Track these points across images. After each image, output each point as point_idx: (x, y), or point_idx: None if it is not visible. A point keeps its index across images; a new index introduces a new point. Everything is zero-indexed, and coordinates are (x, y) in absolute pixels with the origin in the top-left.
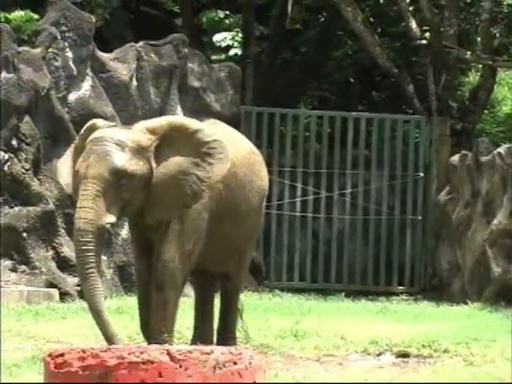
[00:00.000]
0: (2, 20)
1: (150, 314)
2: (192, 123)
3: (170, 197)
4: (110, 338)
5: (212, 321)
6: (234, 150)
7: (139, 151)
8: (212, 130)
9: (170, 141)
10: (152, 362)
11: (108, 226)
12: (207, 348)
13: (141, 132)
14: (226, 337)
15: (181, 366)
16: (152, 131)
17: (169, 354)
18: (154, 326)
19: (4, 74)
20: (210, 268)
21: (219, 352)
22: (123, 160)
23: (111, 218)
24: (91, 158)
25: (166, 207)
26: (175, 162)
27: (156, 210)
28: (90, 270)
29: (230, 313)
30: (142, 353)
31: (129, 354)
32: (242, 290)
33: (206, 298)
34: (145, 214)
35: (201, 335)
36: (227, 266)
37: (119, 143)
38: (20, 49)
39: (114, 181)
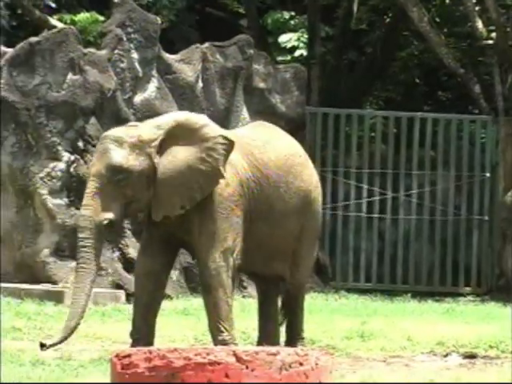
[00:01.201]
0: (68, 22)
1: (146, 318)
2: (198, 119)
3: (176, 192)
4: (68, 328)
5: (276, 322)
6: (269, 151)
7: (139, 147)
8: (216, 127)
9: (176, 136)
10: (218, 363)
11: (106, 222)
12: (273, 349)
13: (146, 128)
14: (292, 337)
15: (247, 367)
16: (158, 126)
17: (235, 355)
18: (212, 329)
19: (70, 76)
20: (254, 269)
21: (285, 353)
22: (119, 156)
23: (109, 215)
24: (94, 157)
25: (172, 203)
26: (181, 158)
27: (162, 206)
28: (82, 266)
29: (293, 314)
30: (208, 354)
31: (195, 355)
32: (304, 291)
33: (267, 299)
34: (152, 211)
35: (265, 336)
36: (274, 268)
37: (117, 139)
38: (86, 50)
39: (112, 177)
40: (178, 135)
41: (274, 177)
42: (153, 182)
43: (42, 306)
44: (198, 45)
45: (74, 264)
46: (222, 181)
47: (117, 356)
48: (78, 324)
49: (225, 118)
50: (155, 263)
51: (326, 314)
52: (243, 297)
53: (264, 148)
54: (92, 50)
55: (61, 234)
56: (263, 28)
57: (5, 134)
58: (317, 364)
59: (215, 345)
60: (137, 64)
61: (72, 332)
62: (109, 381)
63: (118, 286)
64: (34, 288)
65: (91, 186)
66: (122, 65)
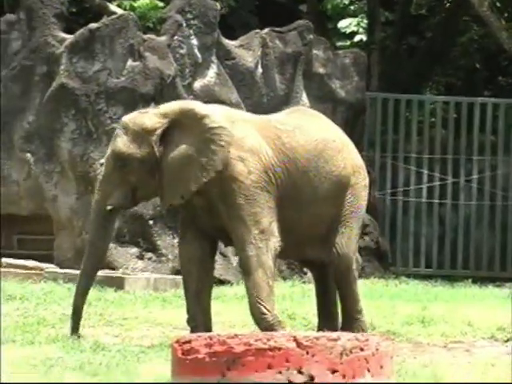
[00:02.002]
0: (128, 8)
1: (200, 304)
2: (201, 108)
3: (176, 181)
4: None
5: (334, 307)
6: (299, 135)
7: (141, 134)
8: (221, 115)
9: (180, 125)
10: (279, 349)
11: (109, 207)
12: (334, 334)
13: (152, 115)
14: (346, 321)
15: (308, 353)
16: (164, 115)
17: (296, 340)
18: (254, 312)
19: (130, 62)
20: (287, 255)
21: (346, 338)
22: (121, 143)
23: (113, 201)
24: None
25: (172, 192)
26: (182, 148)
27: (165, 195)
28: (88, 248)
29: (343, 298)
30: (268, 339)
31: (256, 340)
32: (350, 275)
33: (322, 284)
34: (160, 200)
35: (325, 321)
36: (307, 253)
37: (125, 126)
38: (145, 37)
39: (115, 164)
40: (182, 124)
41: (303, 161)
42: (158, 170)
43: (103, 292)
44: (258, 30)
45: (134, 250)
46: (243, 169)
47: (177, 342)
48: (76, 303)
49: (284, 104)
50: (196, 249)
51: (387, 300)
52: (303, 282)
53: (293, 132)
54: (152, 36)
55: (121, 220)
56: (323, 13)
57: (65, 121)
58: (377, 349)
59: (260, 328)
60: (196, 50)
61: (74, 312)
62: (170, 366)
63: (179, 272)
64: None
65: (102, 171)
66: (181, 51)
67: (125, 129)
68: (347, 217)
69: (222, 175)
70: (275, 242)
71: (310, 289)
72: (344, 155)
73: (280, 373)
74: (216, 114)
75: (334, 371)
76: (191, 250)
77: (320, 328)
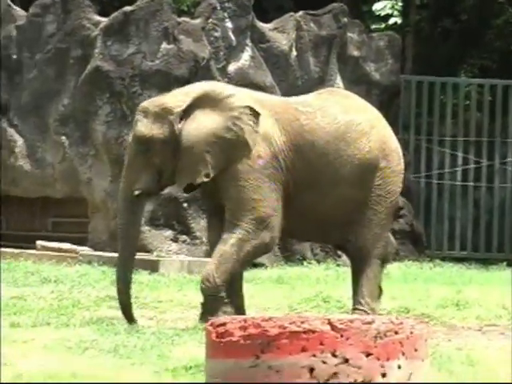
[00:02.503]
0: None
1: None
2: (225, 88)
3: (200, 159)
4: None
5: None
6: (319, 117)
7: (162, 115)
8: (247, 97)
9: (203, 104)
10: (313, 332)
11: (137, 193)
12: (368, 318)
13: (173, 95)
14: (353, 304)
15: (342, 336)
16: (186, 94)
17: (330, 323)
18: (202, 276)
19: (164, 45)
20: (311, 238)
21: (380, 321)
22: (143, 126)
23: (140, 186)
24: None
25: (196, 170)
26: (207, 125)
27: (186, 173)
28: (120, 236)
29: (357, 282)
30: (303, 322)
31: (290, 323)
32: (371, 261)
33: (355, 268)
34: (176, 178)
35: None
36: (332, 237)
37: (144, 110)
38: (180, 20)
39: (138, 148)
40: (205, 103)
41: (321, 143)
42: (178, 149)
43: (137, 275)
44: (292, 13)
45: (168, 233)
46: (254, 152)
47: (212, 324)
48: (122, 300)
49: (319, 86)
50: (218, 235)
51: (421, 283)
52: (337, 265)
53: (314, 114)
54: (186, 19)
55: (155, 203)
56: None
57: (99, 104)
58: (412, 333)
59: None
60: (231, 33)
61: (122, 310)
62: (204, 349)
63: None
64: None
65: (125, 158)
66: (215, 34)
67: (144, 112)
68: (374, 200)
69: (232, 157)
70: (267, 236)
71: (345, 271)
72: (370, 138)
73: (314, 356)
74: (242, 94)
75: (368, 354)
76: (214, 237)
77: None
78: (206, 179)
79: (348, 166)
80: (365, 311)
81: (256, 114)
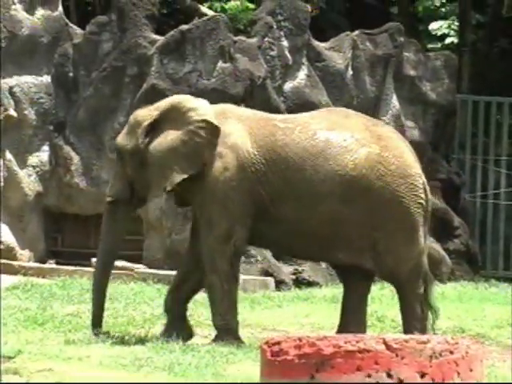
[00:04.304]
0: (219, 10)
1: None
2: (189, 102)
3: (160, 173)
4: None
5: (419, 312)
6: (298, 133)
7: (134, 127)
8: (209, 110)
9: (170, 118)
10: (368, 351)
11: (109, 199)
12: (423, 337)
13: (147, 109)
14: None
15: (397, 355)
16: (156, 108)
17: (385, 342)
18: (211, 312)
19: (220, 64)
20: (309, 256)
21: (436, 341)
22: (120, 136)
23: (113, 193)
24: None
25: (157, 184)
26: (167, 139)
27: (150, 187)
28: (100, 244)
29: (401, 308)
30: (357, 341)
31: (345, 342)
32: (405, 284)
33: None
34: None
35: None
36: (340, 257)
37: (129, 120)
38: (236, 38)
39: (116, 156)
40: (171, 117)
41: (296, 158)
42: (144, 162)
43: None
44: (348, 32)
45: None
46: (220, 164)
47: (267, 343)
48: (95, 301)
49: (374, 106)
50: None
51: (476, 303)
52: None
53: (291, 130)
54: (242, 37)
55: None
56: (414, 15)
57: None
58: (467, 352)
59: (215, 327)
60: (287, 52)
61: (94, 309)
62: (258, 368)
63: (267, 273)
64: None
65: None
66: (272, 52)
67: (128, 122)
68: (380, 223)
69: (202, 171)
70: (232, 244)
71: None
72: (356, 156)
73: (369, 375)
74: (204, 108)
75: (423, 374)
76: (190, 246)
77: (404, 329)
78: (163, 194)
79: (328, 182)
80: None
81: (214, 128)
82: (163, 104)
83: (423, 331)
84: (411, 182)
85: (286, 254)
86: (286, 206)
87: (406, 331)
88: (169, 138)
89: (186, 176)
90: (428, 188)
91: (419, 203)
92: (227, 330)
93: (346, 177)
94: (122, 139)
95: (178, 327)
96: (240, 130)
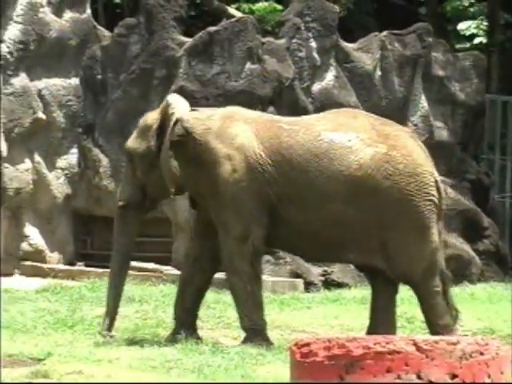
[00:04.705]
0: (247, 11)
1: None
2: (175, 103)
3: (164, 176)
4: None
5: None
6: (302, 135)
7: (144, 130)
8: (186, 111)
9: (166, 121)
10: (398, 352)
11: (120, 203)
12: (453, 338)
13: (156, 111)
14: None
15: (427, 357)
16: (159, 111)
17: (415, 344)
18: (238, 315)
19: (248, 65)
20: (317, 257)
21: (466, 342)
22: (130, 139)
23: (124, 197)
24: None
25: (163, 187)
26: (166, 141)
27: (161, 190)
28: (113, 247)
29: (422, 308)
30: (387, 343)
31: (374, 344)
32: (421, 284)
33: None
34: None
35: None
36: (350, 257)
37: (139, 122)
38: (264, 40)
39: (127, 159)
40: (167, 120)
41: (300, 160)
42: (157, 166)
43: (221, 295)
44: (377, 33)
45: None
46: (229, 166)
47: (296, 344)
48: (109, 306)
49: (403, 107)
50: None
51: (506, 304)
52: None
53: (296, 132)
54: (270, 39)
55: None
56: (442, 15)
57: None
58: (497, 354)
59: (243, 329)
60: (315, 53)
61: (106, 313)
62: (288, 369)
63: (297, 275)
64: (213, 277)
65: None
66: (300, 54)
67: (138, 125)
68: (390, 223)
69: (210, 173)
70: (250, 244)
71: None
72: (361, 156)
73: (399, 377)
74: (180, 108)
75: (453, 376)
76: (196, 247)
77: (429, 330)
78: (172, 195)
79: (332, 182)
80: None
81: (185, 130)
82: (163, 106)
83: (446, 329)
84: (421, 180)
85: (297, 255)
86: (292, 207)
87: (431, 331)
88: (166, 141)
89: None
90: (442, 186)
91: (430, 200)
92: (255, 331)
93: (350, 177)
94: (132, 143)
95: (185, 334)
96: (246, 131)
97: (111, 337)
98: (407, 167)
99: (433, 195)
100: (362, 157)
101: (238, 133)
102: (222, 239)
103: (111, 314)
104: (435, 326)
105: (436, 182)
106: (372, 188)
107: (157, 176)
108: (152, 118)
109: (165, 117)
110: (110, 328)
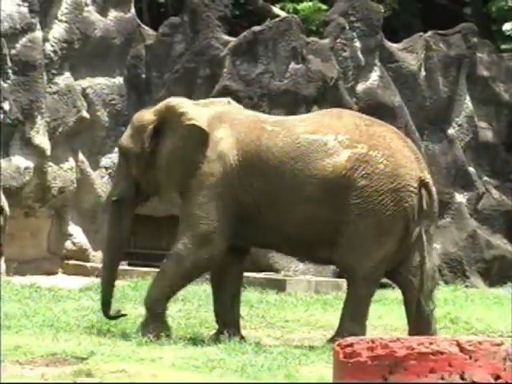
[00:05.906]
0: (291, 11)
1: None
2: (182, 105)
3: (168, 177)
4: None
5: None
6: (281, 137)
7: (139, 130)
8: (198, 113)
9: (168, 122)
10: (441, 353)
11: (113, 199)
12: (497, 339)
13: (149, 112)
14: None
15: (471, 357)
16: (155, 112)
17: (458, 345)
18: (147, 291)
19: (292, 65)
20: (299, 256)
21: (510, 343)
22: (124, 137)
23: (116, 192)
24: None
25: (164, 189)
26: (168, 145)
27: (161, 190)
28: (106, 241)
29: (344, 305)
30: (431, 343)
31: (418, 344)
32: (359, 283)
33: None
34: (158, 195)
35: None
36: (319, 254)
37: (131, 122)
38: (308, 39)
39: (120, 157)
40: (168, 121)
41: (276, 162)
42: (152, 166)
43: (264, 295)
44: (421, 33)
45: None
46: (207, 170)
47: (339, 345)
48: (103, 298)
49: (447, 107)
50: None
51: None
52: (466, 286)
53: (277, 134)
54: (315, 38)
55: None
56: (487, 16)
57: None
58: None
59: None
60: (359, 53)
61: (102, 304)
62: (331, 369)
63: (340, 275)
64: (256, 276)
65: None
66: (344, 54)
67: (131, 124)
68: (352, 220)
69: (179, 174)
70: (206, 253)
71: (473, 293)
72: (337, 159)
73: (442, 377)
74: (194, 112)
75: (497, 377)
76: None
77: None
78: (170, 198)
79: (306, 186)
80: (342, 335)
81: (201, 133)
82: (160, 107)
83: (351, 334)
84: (399, 183)
85: (282, 253)
86: (268, 210)
87: (337, 331)
88: (169, 143)
89: (182, 179)
90: (432, 189)
91: (404, 206)
92: (153, 315)
93: (325, 180)
94: (126, 141)
95: (228, 333)
96: (229, 136)
97: (119, 311)
98: (387, 167)
99: (407, 201)
100: (336, 160)
101: (222, 137)
102: (180, 231)
103: (106, 297)
104: (345, 329)
105: (423, 184)
106: (346, 187)
107: (152, 175)
108: (147, 118)
109: (166, 118)
110: (108, 310)
